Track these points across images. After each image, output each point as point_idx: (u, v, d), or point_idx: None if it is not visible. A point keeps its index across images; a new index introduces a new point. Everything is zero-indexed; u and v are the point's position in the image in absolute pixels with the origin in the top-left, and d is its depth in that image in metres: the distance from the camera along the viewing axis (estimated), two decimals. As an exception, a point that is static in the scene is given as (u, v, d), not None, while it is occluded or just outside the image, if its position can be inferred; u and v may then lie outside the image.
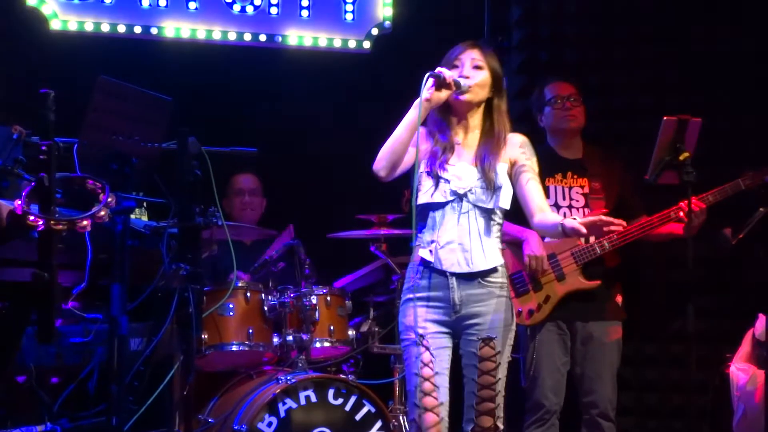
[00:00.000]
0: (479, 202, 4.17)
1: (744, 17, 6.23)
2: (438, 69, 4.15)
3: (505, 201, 4.21)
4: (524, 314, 5.36)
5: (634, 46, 6.42)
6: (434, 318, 4.16)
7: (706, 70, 6.29)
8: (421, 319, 4.15)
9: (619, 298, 5.51)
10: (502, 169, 4.22)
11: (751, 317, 5.60)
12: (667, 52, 6.38)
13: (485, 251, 4.18)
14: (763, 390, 5.13)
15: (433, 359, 4.14)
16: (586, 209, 5.45)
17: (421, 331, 4.14)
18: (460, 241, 4.15)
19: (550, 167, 5.48)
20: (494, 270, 4.19)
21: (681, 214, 5.25)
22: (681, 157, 5.05)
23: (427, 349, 4.14)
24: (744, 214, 5.12)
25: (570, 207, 5.47)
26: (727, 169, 5.48)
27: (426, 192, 4.16)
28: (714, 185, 5.34)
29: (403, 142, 4.12)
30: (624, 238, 5.36)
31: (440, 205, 4.17)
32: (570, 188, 5.49)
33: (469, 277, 4.16)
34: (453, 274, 4.15)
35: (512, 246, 5.37)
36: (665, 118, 5.11)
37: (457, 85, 4.15)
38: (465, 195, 4.16)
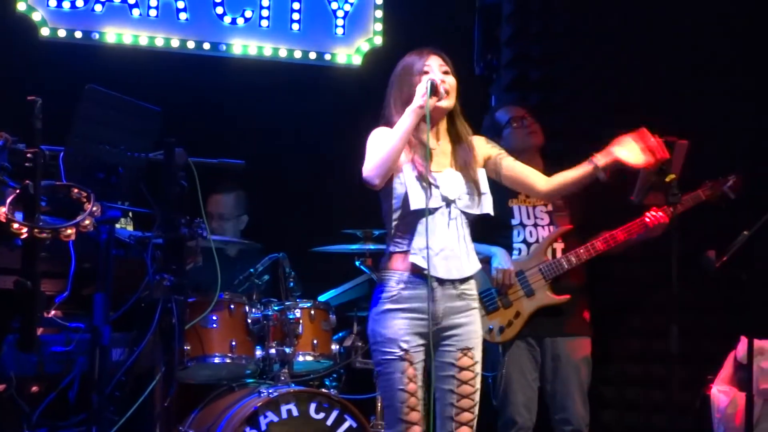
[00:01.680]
0: (467, 209, 4.21)
1: (729, 39, 6.27)
2: (428, 77, 4.19)
3: (489, 207, 4.25)
4: (495, 331, 5.38)
5: (624, 66, 6.43)
6: (415, 331, 4.15)
7: (697, 90, 6.31)
8: (403, 332, 4.13)
9: (586, 314, 5.54)
10: (483, 175, 4.28)
11: (733, 340, 5.62)
12: (657, 72, 6.39)
13: (470, 257, 4.23)
14: (744, 412, 5.14)
15: (416, 374, 4.14)
16: (551, 227, 5.51)
17: (405, 345, 4.13)
18: (451, 247, 4.17)
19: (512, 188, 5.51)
20: (472, 278, 4.23)
21: (647, 221, 5.31)
22: (667, 179, 5.07)
23: (411, 363, 4.13)
24: (728, 237, 5.13)
25: (535, 225, 5.52)
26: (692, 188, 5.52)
27: (417, 198, 4.15)
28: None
29: (398, 150, 4.12)
30: (590, 252, 5.39)
31: (431, 211, 4.16)
32: (534, 207, 5.54)
33: (452, 285, 4.16)
34: (441, 281, 4.14)
35: (481, 263, 5.38)
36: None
37: (445, 92, 4.19)
38: (454, 201, 4.19)
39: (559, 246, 5.49)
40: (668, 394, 5.38)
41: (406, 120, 4.13)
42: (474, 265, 4.24)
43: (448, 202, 4.19)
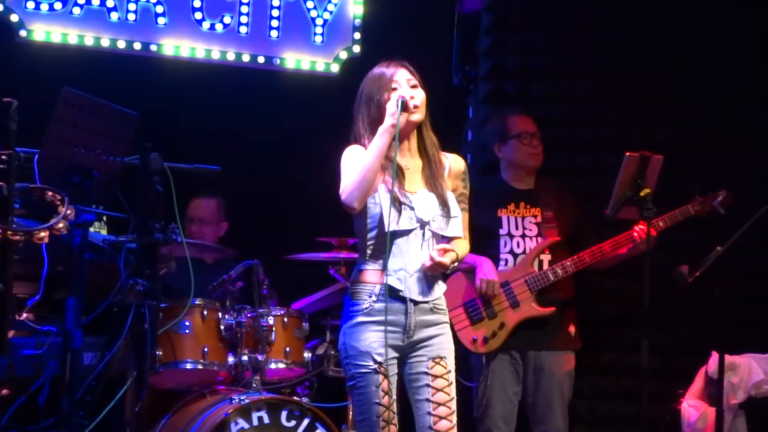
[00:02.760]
0: (439, 230, 4.17)
1: (708, 56, 6.30)
2: (398, 94, 4.13)
3: (459, 229, 4.21)
4: (479, 342, 5.38)
5: (600, 80, 6.47)
6: (389, 343, 4.12)
7: (670, 106, 6.36)
8: (377, 344, 4.11)
9: (572, 328, 5.54)
10: (452, 197, 4.23)
11: (704, 354, 5.65)
12: (631, 88, 6.43)
13: (439, 279, 4.21)
14: (714, 428, 5.16)
15: (391, 387, 4.12)
16: (539, 238, 5.51)
17: (379, 358, 4.10)
18: (425, 269, 4.13)
19: (502, 198, 5.55)
20: (441, 296, 4.22)
21: (624, 241, 5.34)
22: (642, 194, 5.10)
23: (385, 376, 4.11)
24: (701, 252, 5.16)
25: (523, 236, 5.52)
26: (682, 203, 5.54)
27: (391, 220, 4.10)
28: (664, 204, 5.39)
29: (374, 171, 4.07)
30: (577, 265, 5.41)
31: (405, 233, 4.14)
32: (523, 218, 5.54)
33: (425, 303, 4.15)
34: (413, 301, 4.13)
35: (467, 273, 5.40)
36: (627, 153, 5.16)
37: (414, 107, 4.14)
38: (428, 223, 4.15)
39: (546, 258, 5.50)
40: (639, 408, 5.39)
41: (379, 140, 4.08)
42: (442, 287, 4.23)
43: (423, 224, 4.15)
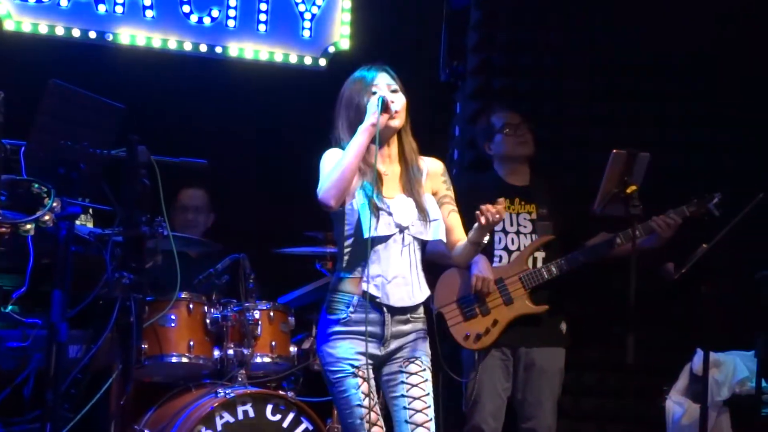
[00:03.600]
0: (419, 235, 4.13)
1: (698, 55, 6.32)
2: (379, 95, 4.09)
3: (441, 233, 4.17)
4: (472, 338, 5.38)
5: (588, 77, 6.48)
6: (364, 351, 4.08)
7: (658, 105, 6.38)
8: (353, 351, 4.08)
9: (563, 325, 5.55)
10: (431, 201, 4.19)
11: (689, 351, 5.67)
12: (620, 85, 6.44)
13: (421, 285, 4.17)
14: (698, 424, 5.18)
15: (372, 390, 4.10)
16: (533, 235, 5.50)
17: (356, 363, 4.08)
18: (404, 275, 4.10)
19: (496, 194, 5.50)
20: (422, 304, 4.19)
21: (618, 241, 5.36)
22: (628, 190, 5.11)
23: (365, 380, 4.08)
24: (687, 249, 5.17)
25: (518, 233, 5.51)
26: (675, 206, 5.53)
27: (368, 226, 4.05)
28: (658, 205, 5.40)
29: (352, 170, 4.03)
30: (571, 263, 5.41)
31: (384, 239, 4.10)
32: (518, 214, 5.54)
33: (402, 312, 4.11)
34: (392, 309, 4.09)
35: (461, 269, 5.40)
36: (614, 151, 5.17)
37: (395, 112, 4.10)
38: (407, 228, 4.11)
39: (540, 255, 5.49)
40: (623, 404, 5.41)
41: (358, 139, 4.04)
42: (425, 292, 4.19)
43: (401, 229, 4.11)
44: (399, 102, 4.15)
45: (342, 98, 4.24)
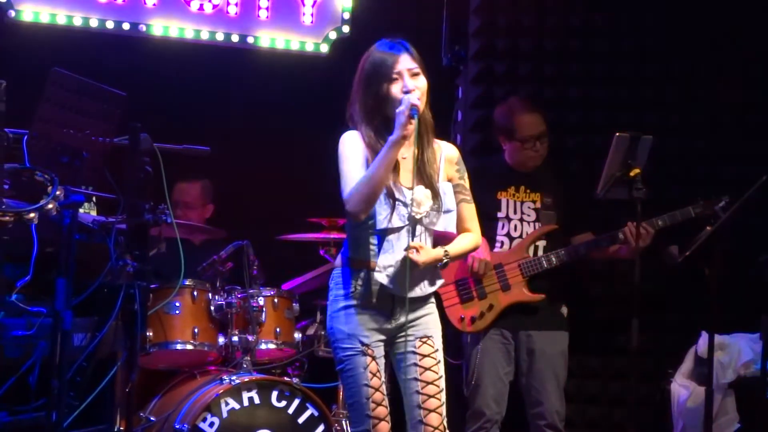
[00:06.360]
0: (430, 225, 4.11)
1: (699, 40, 6.31)
2: (409, 100, 3.96)
3: (452, 225, 4.14)
4: (467, 321, 5.39)
5: (590, 62, 6.47)
6: (375, 326, 4.10)
7: (660, 89, 6.37)
8: (363, 327, 4.09)
9: (564, 309, 5.54)
10: (448, 189, 4.15)
11: (694, 334, 5.67)
12: (621, 69, 6.43)
13: (433, 274, 4.16)
14: (704, 407, 5.18)
15: (379, 369, 4.10)
16: (536, 223, 5.49)
17: (365, 340, 4.08)
18: (416, 267, 4.04)
19: (503, 180, 5.53)
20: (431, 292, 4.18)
21: (620, 236, 5.32)
22: (631, 174, 5.10)
23: (373, 358, 4.09)
24: (691, 232, 5.17)
25: (521, 220, 5.50)
26: (677, 188, 5.53)
27: (383, 216, 4.04)
28: (662, 203, 5.40)
29: (383, 182, 3.98)
30: (571, 254, 5.41)
31: (397, 230, 4.07)
32: (522, 203, 5.52)
33: (412, 302, 4.08)
34: (402, 298, 4.04)
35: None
36: (617, 134, 5.16)
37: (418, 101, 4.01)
38: (420, 219, 4.07)
39: (541, 244, 5.47)
40: (628, 387, 5.41)
41: (388, 153, 3.95)
42: (436, 283, 4.17)
43: (416, 220, 4.07)
44: (421, 88, 4.06)
45: (361, 77, 4.14)
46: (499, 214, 5.50)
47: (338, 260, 4.22)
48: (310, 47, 6.78)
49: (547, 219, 5.49)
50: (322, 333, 5.67)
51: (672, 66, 6.38)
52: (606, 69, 6.45)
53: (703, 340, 5.46)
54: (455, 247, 4.16)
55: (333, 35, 6.79)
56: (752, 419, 5.55)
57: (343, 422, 5.51)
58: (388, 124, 4.05)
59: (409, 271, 3.99)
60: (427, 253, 4.04)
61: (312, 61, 6.76)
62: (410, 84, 4.04)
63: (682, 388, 5.65)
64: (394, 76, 4.06)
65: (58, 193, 3.60)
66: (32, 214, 3.50)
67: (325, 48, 6.78)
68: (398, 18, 6.63)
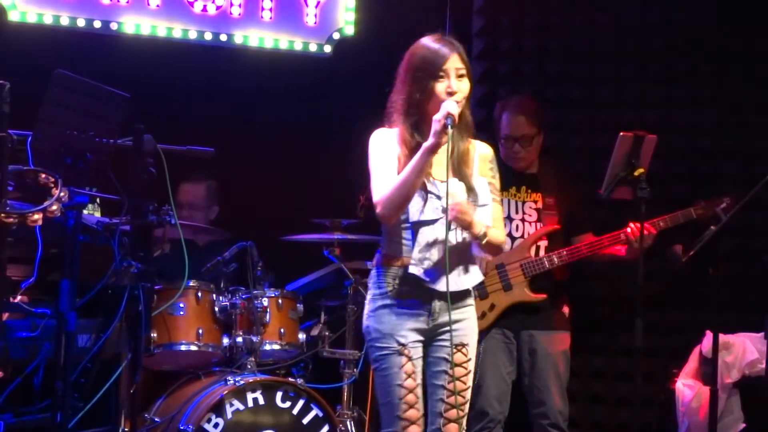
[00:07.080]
0: None
1: (703, 39, 6.30)
2: (447, 110, 3.90)
3: (488, 218, 4.09)
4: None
5: (593, 62, 6.47)
6: (413, 326, 4.05)
7: (664, 88, 6.37)
8: (400, 327, 4.04)
9: (566, 309, 5.54)
10: (483, 184, 4.11)
11: (698, 334, 5.66)
12: (624, 68, 6.43)
13: (469, 268, 4.11)
14: (708, 407, 5.18)
15: (415, 370, 4.05)
16: (538, 224, 5.49)
17: (402, 340, 4.03)
18: (451, 259, 3.98)
19: (503, 180, 5.50)
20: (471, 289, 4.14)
21: (622, 236, 5.31)
22: (636, 173, 5.09)
23: (410, 359, 4.04)
24: (695, 232, 5.16)
25: (523, 220, 5.50)
26: (681, 188, 5.52)
27: (416, 209, 4.01)
28: (665, 203, 5.40)
29: (414, 188, 3.95)
30: (573, 255, 5.40)
31: (431, 222, 4.03)
32: (523, 203, 5.51)
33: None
34: (439, 293, 4.01)
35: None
36: (621, 133, 5.15)
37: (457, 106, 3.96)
38: None
39: (543, 244, 5.46)
40: (633, 387, 5.41)
41: (421, 160, 3.91)
42: (474, 278, 4.11)
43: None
44: (462, 91, 4.01)
45: (407, 70, 4.09)
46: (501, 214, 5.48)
47: (376, 258, 4.17)
48: (313, 48, 6.77)
49: (548, 219, 5.47)
50: (327, 333, 5.66)
51: (676, 66, 6.37)
52: (610, 69, 6.44)
53: (708, 339, 5.46)
54: (492, 232, 4.09)
55: (336, 36, 6.78)
56: (757, 419, 5.55)
57: (348, 423, 5.51)
58: (425, 119, 4.02)
59: (448, 257, 3.92)
60: (469, 210, 3.99)
61: (315, 63, 6.75)
62: (455, 85, 4.01)
63: (687, 388, 5.64)
64: (441, 74, 4.02)
65: (62, 194, 3.59)
66: (36, 216, 3.49)
67: (328, 49, 6.77)
68: (401, 18, 6.63)
